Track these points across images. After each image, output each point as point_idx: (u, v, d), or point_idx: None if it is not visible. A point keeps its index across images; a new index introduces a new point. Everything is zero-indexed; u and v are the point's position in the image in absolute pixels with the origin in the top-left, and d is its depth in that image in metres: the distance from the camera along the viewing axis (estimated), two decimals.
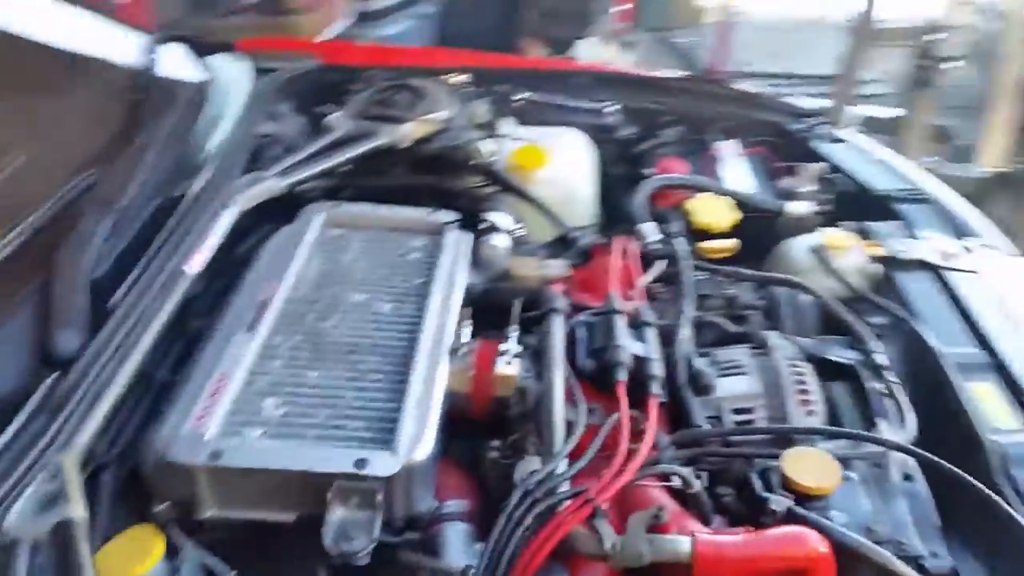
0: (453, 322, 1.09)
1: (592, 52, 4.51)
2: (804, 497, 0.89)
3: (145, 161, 1.24)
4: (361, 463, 0.88)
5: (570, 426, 0.93)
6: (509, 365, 1.04)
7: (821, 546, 0.81)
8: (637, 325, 1.08)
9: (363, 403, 0.99)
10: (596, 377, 1.03)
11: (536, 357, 1.06)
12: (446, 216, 1.31)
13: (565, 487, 0.87)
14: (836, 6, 6.05)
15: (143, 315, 1.02)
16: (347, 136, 1.50)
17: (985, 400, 1.07)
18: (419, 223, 1.32)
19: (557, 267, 1.21)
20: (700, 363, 1.07)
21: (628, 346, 1.02)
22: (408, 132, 1.52)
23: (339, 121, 1.55)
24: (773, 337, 1.15)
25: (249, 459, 0.90)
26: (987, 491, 0.88)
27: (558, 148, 1.59)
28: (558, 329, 1.06)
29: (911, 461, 0.96)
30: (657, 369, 1.01)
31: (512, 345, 1.06)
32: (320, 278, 1.20)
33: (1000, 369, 1.12)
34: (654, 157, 1.72)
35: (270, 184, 1.31)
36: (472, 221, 1.31)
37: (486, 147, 1.57)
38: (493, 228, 1.27)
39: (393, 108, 1.60)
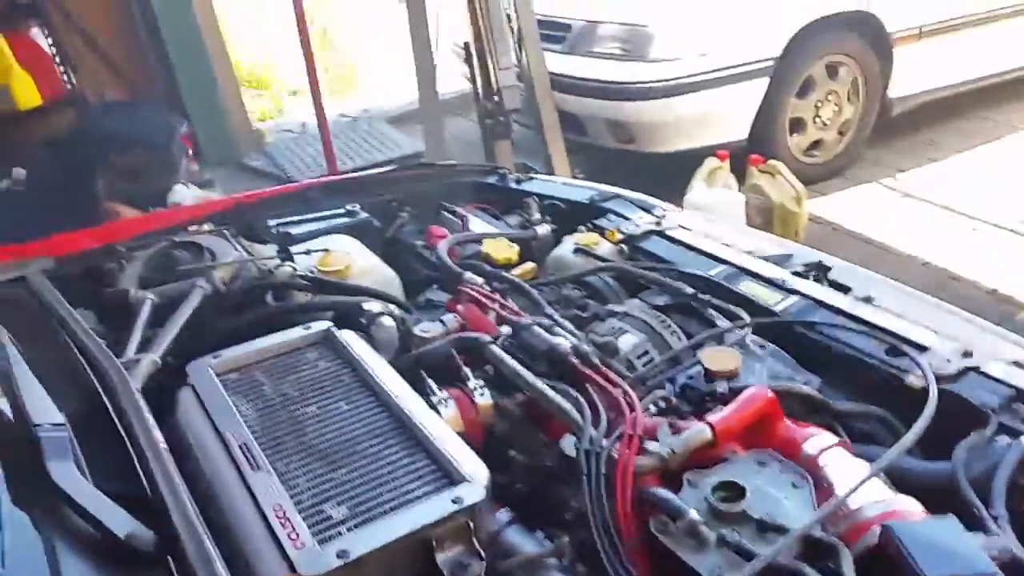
0: (409, 388, 1.26)
1: (187, 195, 4.53)
2: (729, 377, 1.26)
3: None
4: (458, 499, 1.03)
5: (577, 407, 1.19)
6: (483, 396, 1.25)
7: (768, 394, 1.18)
8: (547, 329, 1.36)
9: (403, 469, 1.12)
10: (552, 373, 1.29)
11: (494, 382, 1.28)
12: (322, 325, 1.44)
13: (604, 442, 1.12)
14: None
15: None
16: (165, 299, 1.53)
17: (753, 291, 1.57)
18: (302, 340, 1.42)
19: (451, 320, 1.44)
20: (596, 337, 1.39)
21: (561, 341, 1.31)
22: (222, 276, 1.59)
23: (137, 295, 1.56)
24: (615, 307, 1.52)
25: (367, 544, 0.98)
26: (813, 322, 1.35)
27: (347, 250, 1.79)
28: (502, 353, 1.30)
29: (755, 336, 1.40)
30: (588, 348, 1.31)
31: (475, 382, 1.27)
32: (261, 413, 1.26)
33: (745, 271, 1.64)
34: (408, 234, 2.00)
35: (151, 360, 1.33)
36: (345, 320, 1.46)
37: (283, 270, 1.70)
38: (377, 314, 1.44)
39: (180, 264, 1.66)
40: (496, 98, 3.72)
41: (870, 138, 4.46)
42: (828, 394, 1.32)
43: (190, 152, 4.99)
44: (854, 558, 0.96)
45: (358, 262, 1.75)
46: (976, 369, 1.28)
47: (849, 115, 4.30)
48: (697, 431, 1.12)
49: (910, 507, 1.02)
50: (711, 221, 1.97)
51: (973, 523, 1.00)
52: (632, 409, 1.16)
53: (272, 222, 1.92)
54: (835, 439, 1.15)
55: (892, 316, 1.44)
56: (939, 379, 1.26)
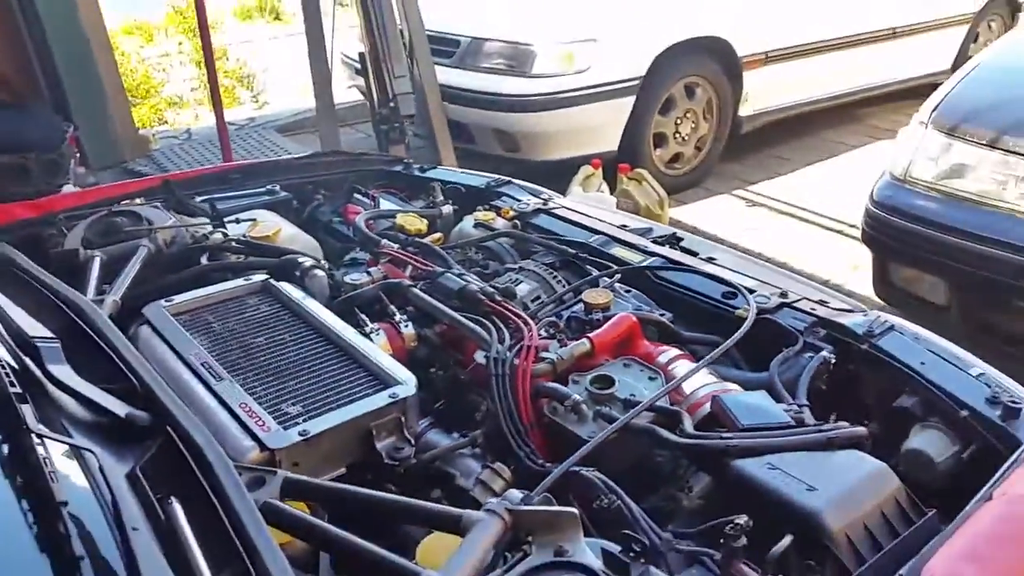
0: (343, 322, 1.51)
1: None
2: (604, 309, 1.59)
3: None
4: (394, 395, 1.30)
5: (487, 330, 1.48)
6: (407, 327, 1.53)
7: (632, 318, 1.52)
8: (459, 277, 1.65)
9: (345, 380, 1.37)
10: (463, 309, 1.57)
11: (416, 318, 1.56)
12: (259, 276, 1.67)
13: (507, 354, 1.41)
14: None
15: None
16: (115, 256, 1.72)
17: (622, 254, 1.92)
18: (243, 288, 1.65)
19: (378, 271, 1.71)
20: (498, 285, 1.69)
21: (470, 284, 1.60)
22: (164, 238, 1.79)
23: (86, 253, 1.74)
24: (514, 264, 1.83)
25: (323, 425, 1.23)
26: (675, 266, 1.70)
27: (271, 222, 2.01)
28: (423, 294, 1.58)
29: (622, 284, 1.74)
30: (492, 290, 1.61)
31: (400, 316, 1.54)
32: (214, 343, 1.48)
33: (614, 239, 1.98)
34: (323, 214, 2.24)
35: (113, 300, 1.53)
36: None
37: (216, 236, 1.91)
38: (310, 267, 1.69)
39: (122, 229, 1.84)
40: (392, 104, 3.98)
41: (724, 153, 5.00)
42: (678, 325, 1.67)
43: (77, 155, 4.99)
44: (694, 423, 1.30)
45: (287, 232, 1.98)
46: (790, 304, 1.65)
47: (705, 131, 4.82)
48: (579, 344, 1.44)
49: (734, 389, 1.37)
50: (590, 205, 2.31)
51: None
52: (529, 329, 1.46)
53: (200, 198, 2.12)
54: (680, 352, 1.50)
55: (728, 271, 1.81)
56: (760, 311, 1.63)
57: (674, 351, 1.51)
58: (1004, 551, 1.00)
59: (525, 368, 1.37)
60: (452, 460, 1.33)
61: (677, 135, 4.74)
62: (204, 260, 1.83)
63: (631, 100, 4.39)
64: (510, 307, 1.56)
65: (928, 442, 1.35)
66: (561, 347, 1.44)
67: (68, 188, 4.54)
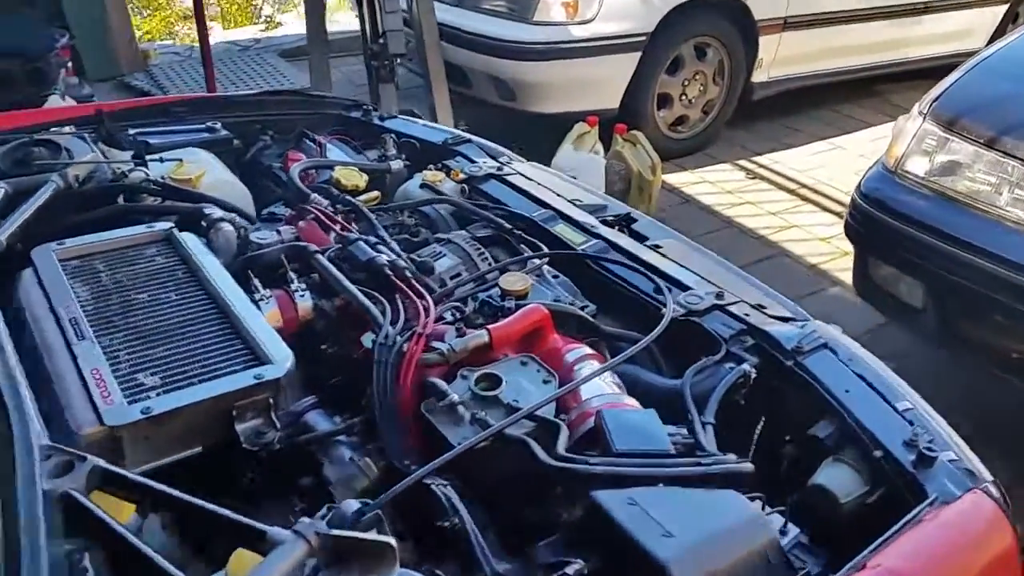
0: (236, 285, 1.41)
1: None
2: (519, 297, 1.48)
3: None
4: (259, 375, 1.21)
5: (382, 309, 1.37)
6: (303, 297, 1.43)
7: (543, 310, 1.41)
8: (372, 246, 1.54)
9: (217, 351, 1.28)
10: (367, 283, 1.47)
11: (318, 287, 1.46)
12: (165, 224, 1.57)
13: (398, 339, 1.31)
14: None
15: None
16: (21, 189, 1.62)
17: (564, 233, 1.80)
18: (144, 236, 1.55)
19: (287, 231, 1.60)
20: (417, 258, 1.58)
21: (380, 256, 1.49)
22: (76, 174, 1.69)
23: None
24: (443, 236, 1.72)
25: (169, 405, 1.14)
26: (596, 256, 1.59)
27: (201, 163, 1.90)
28: (325, 261, 1.48)
29: (552, 268, 1.62)
30: (404, 263, 1.50)
31: (298, 285, 1.44)
32: (95, 295, 1.39)
33: (561, 215, 1.86)
34: (268, 157, 2.13)
35: None
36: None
37: (136, 175, 1.81)
38: (217, 219, 1.58)
39: (37, 160, 1.74)
40: (381, 41, 3.81)
41: (732, 119, 4.80)
42: (603, 319, 1.56)
43: (69, 64, 4.87)
44: (578, 437, 1.20)
45: (210, 175, 1.87)
46: (722, 307, 1.54)
47: (714, 95, 4.62)
48: (476, 335, 1.33)
49: (630, 403, 1.26)
50: (549, 173, 2.18)
51: (691, 427, 1.25)
52: (427, 314, 1.36)
53: (132, 131, 2.01)
54: (590, 351, 1.39)
55: (670, 262, 1.69)
56: (690, 312, 1.51)
57: (585, 350, 1.40)
58: None
59: (411, 356, 1.27)
60: (327, 447, 1.25)
61: (684, 97, 4.54)
62: (121, 201, 1.73)
63: (636, 56, 4.19)
64: (418, 286, 1.45)
65: (836, 479, 1.25)
66: (458, 336, 1.33)
67: (54, 99, 4.46)
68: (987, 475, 1.23)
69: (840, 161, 4.64)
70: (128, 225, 1.60)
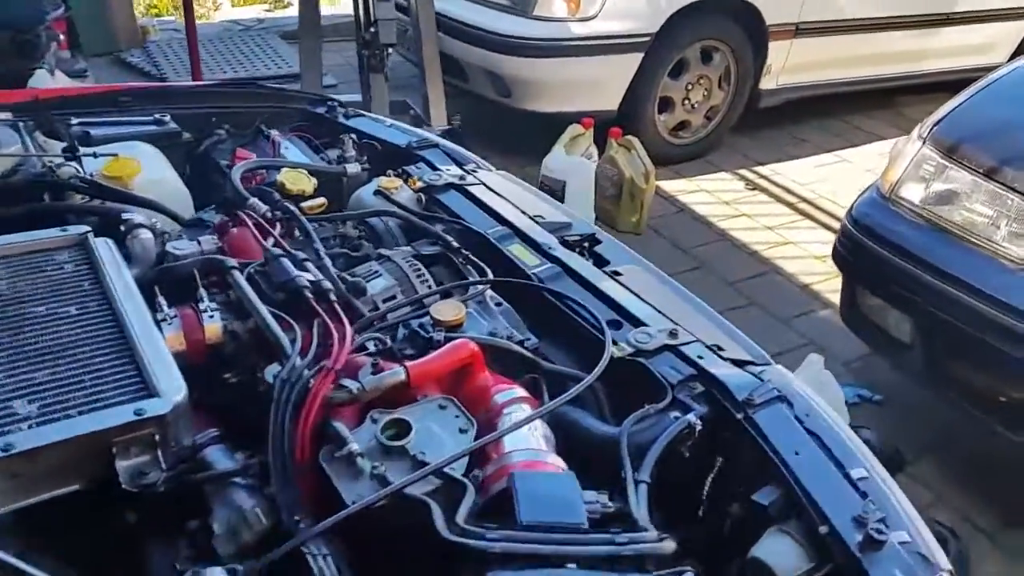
0: (142, 302, 1.30)
1: (47, 81, 4.34)
2: (451, 328, 1.36)
3: None
4: (140, 411, 1.09)
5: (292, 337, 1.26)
6: (212, 318, 1.31)
7: (473, 346, 1.29)
8: (297, 263, 1.42)
9: (105, 377, 1.17)
10: (286, 305, 1.35)
11: (230, 307, 1.34)
12: (79, 229, 1.46)
13: (306, 372, 1.20)
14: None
15: None
16: None
17: (519, 253, 1.67)
18: (55, 241, 1.44)
19: (208, 241, 1.48)
20: (351, 278, 1.46)
21: (302, 275, 1.37)
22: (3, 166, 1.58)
23: None
24: (385, 251, 1.60)
25: (36, 441, 1.04)
26: (544, 286, 1.47)
27: (140, 158, 1.79)
28: (242, 280, 1.36)
29: (495, 295, 1.50)
30: (328, 285, 1.38)
31: (208, 304, 1.32)
32: None
33: (519, 233, 1.74)
34: (221, 152, 2.01)
35: None
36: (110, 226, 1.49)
37: (66, 170, 1.69)
38: (135, 225, 1.47)
39: None
40: (372, 30, 3.69)
41: (736, 126, 4.65)
42: (549, 350, 1.44)
43: (61, 37, 4.78)
44: (491, 497, 1.08)
45: (147, 172, 1.76)
46: (673, 348, 1.41)
47: (718, 101, 4.47)
48: (392, 373, 1.21)
49: (553, 462, 1.14)
50: (515, 184, 2.05)
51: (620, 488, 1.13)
52: (342, 345, 1.24)
53: (75, 120, 1.90)
54: (523, 394, 1.27)
55: (626, 292, 1.57)
56: (639, 352, 1.39)
57: (517, 392, 1.28)
58: None
59: (315, 395, 1.16)
60: (220, 489, 1.14)
61: (686, 101, 4.40)
62: (47, 198, 1.63)
63: (639, 57, 4.05)
64: (339, 310, 1.33)
65: (776, 553, 1.12)
66: (375, 372, 1.22)
67: (41, 73, 4.35)
68: (943, 561, 1.11)
69: (845, 175, 4.48)
70: (45, 224, 1.49)
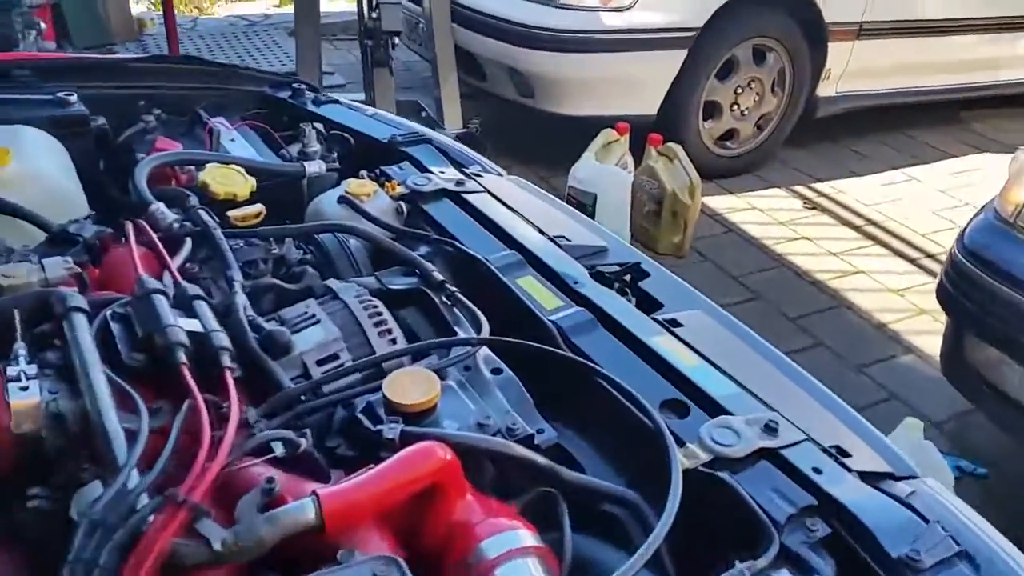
0: None
1: None
2: (414, 416, 0.84)
3: None
4: None
5: (133, 435, 0.75)
6: (26, 391, 0.80)
7: (445, 453, 0.77)
8: (183, 303, 0.92)
9: None
10: (150, 371, 0.84)
11: (63, 372, 0.83)
12: None
13: (144, 501, 0.68)
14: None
15: None
16: None
17: (532, 289, 1.16)
18: None
19: (57, 266, 0.97)
20: (269, 326, 0.95)
21: (180, 325, 0.86)
22: None
23: None
24: (334, 283, 1.08)
25: None
26: (567, 354, 0.94)
27: (17, 146, 1.30)
28: (83, 330, 0.85)
29: (494, 355, 0.98)
30: (223, 341, 0.87)
31: (25, 366, 0.81)
32: None
33: (534, 261, 1.23)
34: (147, 144, 1.52)
35: None
36: None
37: None
38: None
39: None
40: (375, 15, 3.21)
41: (790, 137, 4.11)
42: (577, 453, 0.92)
43: (42, 26, 4.41)
44: None
45: (19, 165, 1.27)
46: (774, 453, 0.89)
47: (771, 108, 3.93)
48: (293, 509, 0.69)
49: None
50: (531, 194, 1.54)
51: None
52: (215, 451, 0.72)
53: None
54: (532, 543, 0.74)
55: (692, 355, 1.04)
56: (720, 461, 0.87)
57: (518, 533, 0.75)
58: None
59: (146, 551, 0.64)
60: None
61: (735, 107, 3.87)
62: None
63: (681, 55, 3.54)
64: (231, 383, 0.82)
65: None
66: (263, 507, 0.70)
67: None
68: None
69: (916, 196, 3.92)
70: None
